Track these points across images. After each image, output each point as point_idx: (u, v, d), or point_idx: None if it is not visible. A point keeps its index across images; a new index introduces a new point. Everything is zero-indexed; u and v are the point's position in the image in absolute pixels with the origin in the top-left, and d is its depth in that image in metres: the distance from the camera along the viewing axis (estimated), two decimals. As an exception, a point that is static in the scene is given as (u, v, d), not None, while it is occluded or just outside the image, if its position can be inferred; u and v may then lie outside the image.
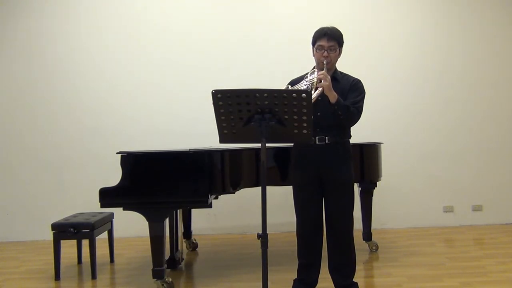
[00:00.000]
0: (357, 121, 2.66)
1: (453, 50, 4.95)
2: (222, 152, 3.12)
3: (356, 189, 3.79)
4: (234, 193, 3.21)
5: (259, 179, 3.18)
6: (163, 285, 2.97)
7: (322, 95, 2.49)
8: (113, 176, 3.07)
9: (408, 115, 4.93)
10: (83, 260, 3.77)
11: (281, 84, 2.68)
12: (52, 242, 3.38)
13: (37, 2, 4.88)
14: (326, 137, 2.61)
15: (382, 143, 3.98)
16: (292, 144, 2.80)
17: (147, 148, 3.67)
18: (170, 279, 3.06)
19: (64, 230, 3.38)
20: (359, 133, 3.10)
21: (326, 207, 2.71)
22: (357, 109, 2.61)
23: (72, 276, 3.51)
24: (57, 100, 4.88)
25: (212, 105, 2.13)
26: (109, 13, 4.90)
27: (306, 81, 2.58)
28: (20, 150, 4.87)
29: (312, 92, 2.44)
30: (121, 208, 3.00)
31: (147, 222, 2.96)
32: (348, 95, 2.64)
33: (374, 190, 3.93)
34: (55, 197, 4.82)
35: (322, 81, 2.47)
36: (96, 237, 3.43)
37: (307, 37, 2.75)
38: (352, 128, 2.77)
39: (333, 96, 2.51)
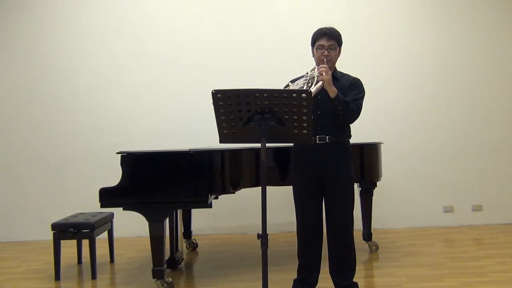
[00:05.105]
0: (356, 118, 2.65)
1: (453, 50, 4.95)
2: (222, 152, 3.12)
3: (356, 189, 3.79)
4: (234, 193, 3.21)
5: (259, 179, 3.19)
6: (163, 285, 2.97)
7: (322, 93, 2.50)
8: (113, 176, 3.07)
9: (408, 115, 4.93)
10: (83, 260, 3.77)
11: (281, 84, 2.68)
12: (52, 242, 3.38)
13: (37, 3, 4.88)
14: (327, 136, 2.61)
15: (382, 143, 3.98)
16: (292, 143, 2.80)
17: (147, 148, 3.66)
18: (170, 279, 3.07)
19: (64, 230, 3.38)
20: (359, 133, 3.10)
21: (326, 207, 2.71)
22: (356, 106, 2.62)
23: (72, 276, 3.51)
24: (57, 100, 4.88)
25: (212, 105, 2.13)
26: (109, 14, 4.90)
27: (306, 77, 2.58)
28: (20, 150, 4.87)
29: (312, 86, 2.44)
30: (121, 208, 3.00)
31: (147, 222, 2.96)
32: (348, 93, 2.65)
33: (374, 190, 3.94)
34: (55, 197, 4.82)
35: (324, 73, 2.47)
36: (96, 237, 3.43)
37: (307, 37, 2.75)
38: (352, 128, 2.78)
39: (332, 91, 2.51)
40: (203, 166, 3.00)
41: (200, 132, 4.49)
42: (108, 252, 3.82)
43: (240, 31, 4.89)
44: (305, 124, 2.14)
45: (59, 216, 3.74)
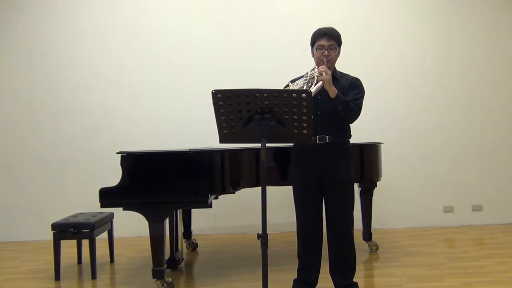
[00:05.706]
0: (356, 117, 2.66)
1: (453, 50, 4.95)
2: (222, 152, 3.12)
3: (356, 189, 3.79)
4: (234, 193, 3.21)
5: (259, 179, 3.18)
6: (163, 285, 2.97)
7: (322, 93, 2.50)
8: (113, 176, 3.07)
9: (408, 115, 4.93)
10: (83, 260, 3.77)
11: (281, 84, 2.68)
12: (52, 242, 3.38)
13: (37, 3, 4.88)
14: (327, 136, 2.61)
15: (382, 143, 3.98)
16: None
17: (147, 148, 3.66)
18: (170, 279, 3.07)
19: (64, 230, 3.38)
20: (359, 133, 3.10)
21: (326, 207, 2.71)
22: (356, 105, 2.62)
23: (72, 276, 3.51)
24: (57, 100, 4.88)
25: (212, 105, 2.14)
26: (109, 14, 4.90)
27: (306, 77, 2.58)
28: (20, 150, 4.87)
29: (312, 86, 2.44)
30: (121, 208, 3.00)
31: (147, 222, 2.96)
32: (348, 93, 2.65)
33: (374, 190, 3.94)
34: (55, 197, 4.82)
35: (324, 73, 2.47)
36: (96, 237, 3.43)
37: (307, 37, 2.75)
38: (352, 128, 2.78)
39: (332, 91, 2.51)
40: (203, 166, 3.00)
41: (200, 132, 4.49)
42: (108, 252, 3.82)
43: (240, 31, 4.89)
44: (305, 124, 2.14)
45: (59, 216, 3.74)
